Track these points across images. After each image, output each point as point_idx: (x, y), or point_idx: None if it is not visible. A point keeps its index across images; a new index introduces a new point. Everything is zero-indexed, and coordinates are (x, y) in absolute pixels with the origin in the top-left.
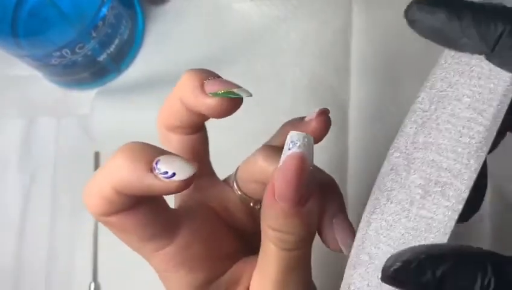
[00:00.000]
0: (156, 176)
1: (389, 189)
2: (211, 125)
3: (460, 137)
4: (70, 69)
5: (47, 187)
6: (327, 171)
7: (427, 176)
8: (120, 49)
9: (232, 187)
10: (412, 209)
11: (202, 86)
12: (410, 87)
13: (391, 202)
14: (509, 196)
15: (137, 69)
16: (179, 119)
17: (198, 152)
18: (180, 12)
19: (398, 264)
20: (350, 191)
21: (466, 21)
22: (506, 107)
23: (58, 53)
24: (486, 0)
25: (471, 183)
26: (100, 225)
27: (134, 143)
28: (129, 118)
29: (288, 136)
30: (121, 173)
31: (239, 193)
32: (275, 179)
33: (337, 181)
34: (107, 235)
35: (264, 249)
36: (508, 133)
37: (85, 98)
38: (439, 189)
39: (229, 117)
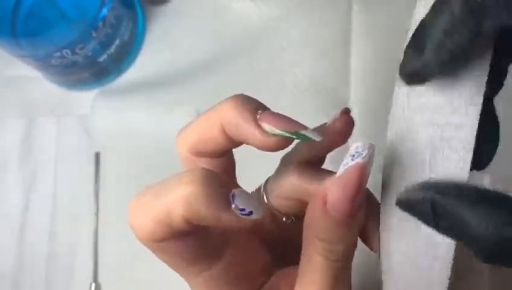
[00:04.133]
0: (233, 212)
1: (399, 155)
2: None
3: (453, 90)
4: (70, 69)
5: (47, 187)
6: None
7: (432, 134)
8: (120, 50)
9: (262, 200)
10: (425, 169)
11: (256, 119)
12: None
13: (403, 170)
14: None
15: (137, 69)
16: (214, 145)
17: (228, 172)
18: (180, 13)
19: (403, 198)
20: None
21: None
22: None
23: (58, 53)
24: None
25: (474, 131)
26: (100, 225)
27: (207, 170)
28: (129, 118)
29: (353, 146)
30: (199, 203)
31: (270, 208)
32: (330, 189)
33: None
34: (107, 236)
35: (307, 260)
36: (507, 131)
37: (85, 98)
38: (446, 144)
39: None
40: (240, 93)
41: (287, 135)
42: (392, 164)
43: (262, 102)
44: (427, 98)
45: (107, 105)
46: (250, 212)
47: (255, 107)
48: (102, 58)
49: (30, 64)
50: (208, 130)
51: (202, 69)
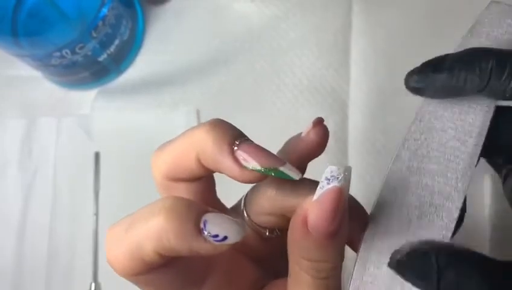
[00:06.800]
0: (205, 240)
1: (388, 207)
2: None
3: (449, 163)
4: (70, 69)
5: (47, 187)
6: None
7: (422, 198)
8: (120, 50)
9: (243, 218)
10: (411, 228)
11: (232, 152)
12: None
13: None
14: None
15: (137, 69)
16: (189, 173)
17: (208, 193)
18: (180, 13)
19: (404, 252)
20: (350, 191)
21: (461, 73)
22: (483, 138)
23: (58, 53)
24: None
25: (460, 204)
26: (100, 225)
27: (176, 200)
28: (129, 118)
29: (327, 170)
30: (168, 236)
31: (251, 223)
32: (310, 211)
33: None
34: None
35: (296, 279)
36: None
37: (85, 98)
38: (434, 210)
39: (227, 117)
40: (217, 118)
41: (264, 171)
42: (381, 211)
43: (263, 102)
44: (427, 164)
45: (107, 105)
46: (225, 237)
47: (232, 137)
48: (102, 57)
49: (30, 64)
50: (182, 159)
51: (202, 69)
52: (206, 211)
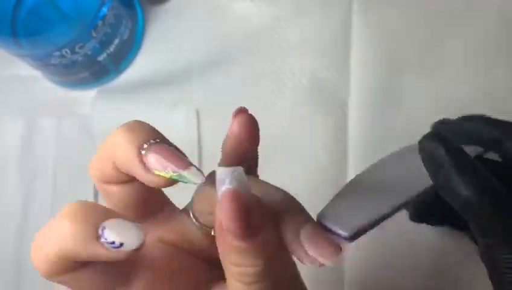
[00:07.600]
0: (102, 245)
1: None
2: (208, 126)
3: None
4: (70, 68)
5: (47, 187)
6: (327, 171)
7: None
8: (120, 49)
9: (189, 217)
10: None
11: (139, 155)
12: (410, 86)
13: None
14: None
15: (137, 69)
16: (115, 178)
17: (148, 192)
18: (180, 12)
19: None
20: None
21: None
22: None
23: (58, 53)
24: None
25: None
26: None
27: (77, 205)
28: (129, 118)
29: (217, 173)
30: (65, 240)
31: (197, 223)
32: (218, 215)
33: (337, 181)
34: None
35: (228, 284)
36: None
37: (85, 98)
38: None
39: (227, 117)
40: (133, 120)
41: (172, 178)
42: None
43: (262, 102)
44: None
45: (107, 105)
46: (121, 244)
47: (142, 140)
48: (102, 57)
49: (30, 64)
50: (103, 166)
51: (202, 69)
52: (109, 217)
